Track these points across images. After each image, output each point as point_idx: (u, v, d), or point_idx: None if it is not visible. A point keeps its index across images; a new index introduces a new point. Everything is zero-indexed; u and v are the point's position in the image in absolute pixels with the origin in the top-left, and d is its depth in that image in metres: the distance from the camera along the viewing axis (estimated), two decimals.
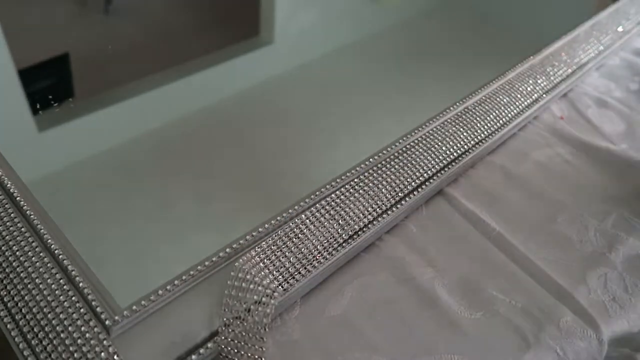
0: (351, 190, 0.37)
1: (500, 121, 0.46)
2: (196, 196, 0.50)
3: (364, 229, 0.36)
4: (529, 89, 0.49)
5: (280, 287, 0.32)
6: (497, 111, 0.46)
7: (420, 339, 0.32)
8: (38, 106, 0.58)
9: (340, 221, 0.36)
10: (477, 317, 0.34)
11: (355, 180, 0.38)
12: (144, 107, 0.63)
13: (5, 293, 0.29)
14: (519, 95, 0.48)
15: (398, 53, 0.73)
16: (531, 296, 0.36)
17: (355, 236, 0.35)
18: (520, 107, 0.48)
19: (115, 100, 0.62)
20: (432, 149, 0.42)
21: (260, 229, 0.33)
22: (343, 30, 0.79)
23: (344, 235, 0.35)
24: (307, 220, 0.35)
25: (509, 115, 0.47)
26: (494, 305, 0.35)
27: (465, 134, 0.44)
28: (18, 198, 0.33)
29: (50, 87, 0.62)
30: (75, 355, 0.26)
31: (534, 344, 0.33)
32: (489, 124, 0.45)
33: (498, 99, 0.47)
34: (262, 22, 0.77)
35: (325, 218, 0.35)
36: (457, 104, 0.46)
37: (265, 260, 0.32)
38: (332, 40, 0.76)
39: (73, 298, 0.29)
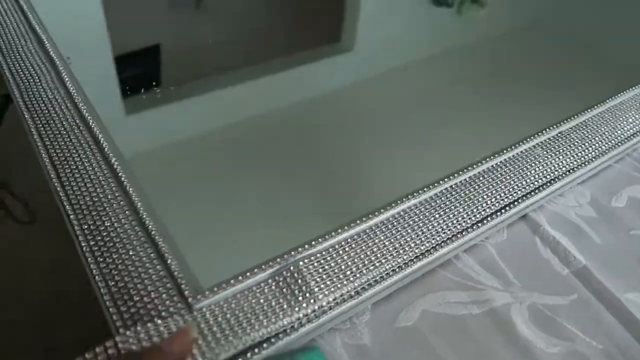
0: (432, 203, 0.37)
1: (596, 150, 0.44)
2: (262, 193, 0.51)
3: (442, 244, 0.36)
4: (630, 120, 0.47)
5: (353, 290, 0.32)
6: (593, 139, 0.44)
7: None
8: (128, 91, 0.62)
9: (418, 232, 0.35)
10: (554, 351, 0.32)
11: (437, 194, 0.38)
12: (222, 102, 0.66)
13: (102, 260, 0.31)
14: (618, 126, 0.46)
15: (480, 69, 0.71)
16: (614, 339, 0.34)
17: (432, 250, 0.35)
18: (619, 138, 0.45)
19: (197, 93, 0.65)
20: (520, 171, 0.41)
21: (339, 230, 0.34)
22: (424, 42, 0.78)
23: (421, 247, 0.35)
24: (384, 228, 0.35)
25: (606, 145, 0.44)
26: (573, 342, 0.33)
27: (556, 159, 0.42)
28: (120, 174, 0.35)
29: (140, 74, 0.66)
30: (160, 327, 0.28)
31: None
32: (582, 152, 0.43)
33: (596, 127, 0.45)
34: (345, 29, 0.78)
35: (403, 227, 0.35)
36: (551, 127, 0.44)
37: (338, 259, 0.33)
38: (412, 51, 0.75)
39: (161, 273, 0.30)
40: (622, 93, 0.48)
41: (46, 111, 0.40)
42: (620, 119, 0.46)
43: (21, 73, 0.44)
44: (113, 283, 0.30)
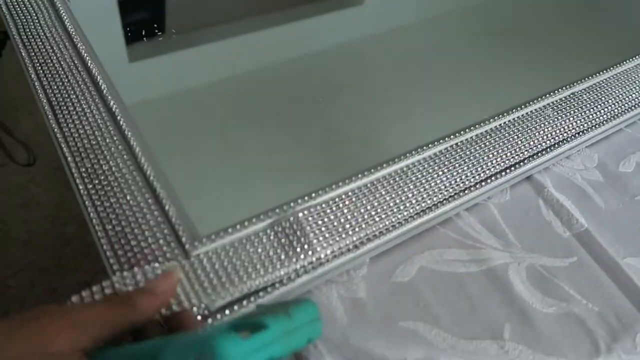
0: (437, 160, 0.36)
1: (608, 113, 0.42)
2: (264, 145, 0.50)
3: (444, 202, 0.35)
4: None
5: (351, 244, 0.32)
6: (605, 102, 0.43)
7: (486, 321, 0.31)
8: (131, 38, 0.61)
9: (420, 189, 0.35)
10: (549, 312, 0.32)
11: (442, 151, 0.37)
12: (228, 52, 0.64)
13: (99, 203, 0.31)
14: (633, 89, 0.44)
15: (495, 27, 0.69)
16: (610, 302, 0.34)
17: (434, 207, 0.35)
18: (632, 101, 0.44)
19: (202, 42, 0.63)
20: (528, 131, 0.40)
21: (340, 183, 0.33)
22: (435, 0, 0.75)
23: (422, 204, 0.34)
24: (386, 183, 0.35)
25: (619, 108, 0.43)
26: (568, 303, 0.33)
27: (566, 120, 0.41)
28: (119, 117, 0.34)
29: (144, 20, 0.64)
30: (157, 270, 0.28)
31: (604, 353, 0.31)
32: (594, 115, 0.42)
33: (610, 89, 0.44)
34: None
35: (405, 183, 0.35)
36: (564, 87, 0.42)
37: (337, 212, 0.32)
38: (422, 9, 0.73)
39: (159, 218, 0.30)
40: (638, 56, 0.46)
41: (44, 49, 0.39)
42: (635, 82, 0.45)
43: (18, 8, 0.42)
44: (110, 227, 0.30)
